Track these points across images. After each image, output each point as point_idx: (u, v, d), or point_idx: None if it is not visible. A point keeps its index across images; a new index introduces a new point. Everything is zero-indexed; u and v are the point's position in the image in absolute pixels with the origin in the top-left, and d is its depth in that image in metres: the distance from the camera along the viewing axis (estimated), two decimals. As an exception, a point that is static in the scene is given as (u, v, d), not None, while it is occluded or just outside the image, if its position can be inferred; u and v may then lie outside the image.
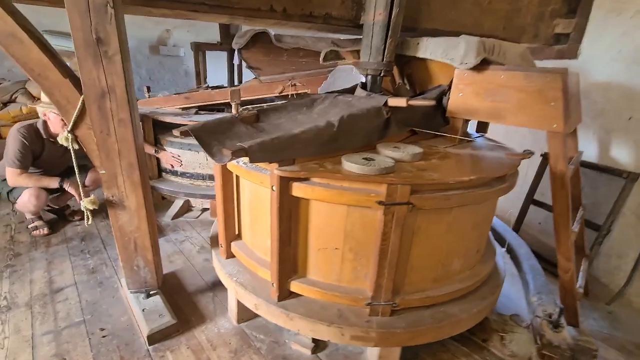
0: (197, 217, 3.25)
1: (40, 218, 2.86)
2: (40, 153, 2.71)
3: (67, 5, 1.35)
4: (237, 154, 1.26)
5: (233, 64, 4.08)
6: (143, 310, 1.87)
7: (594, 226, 2.50)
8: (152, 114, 3.17)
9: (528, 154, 1.79)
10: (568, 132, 1.69)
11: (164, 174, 3.38)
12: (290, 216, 1.51)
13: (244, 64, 3.69)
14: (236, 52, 3.56)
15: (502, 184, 1.58)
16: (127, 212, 1.72)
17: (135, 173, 1.66)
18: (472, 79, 1.82)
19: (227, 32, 3.87)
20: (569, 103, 1.62)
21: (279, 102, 1.99)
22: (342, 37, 2.51)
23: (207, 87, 3.92)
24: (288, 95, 3.46)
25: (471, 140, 2.06)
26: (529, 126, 1.73)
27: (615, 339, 2.02)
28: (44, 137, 2.68)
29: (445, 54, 1.87)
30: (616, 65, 2.46)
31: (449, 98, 1.92)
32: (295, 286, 1.62)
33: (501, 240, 2.47)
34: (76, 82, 1.51)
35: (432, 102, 1.74)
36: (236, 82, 4.20)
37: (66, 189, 2.64)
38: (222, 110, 3.61)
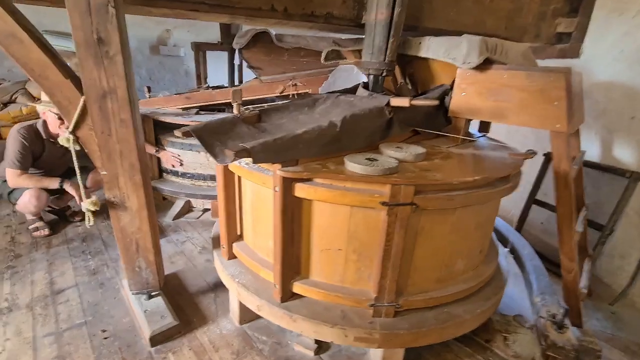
0: (198, 218, 3.24)
1: (40, 219, 2.85)
2: (41, 154, 2.70)
3: (68, 5, 1.34)
4: (240, 154, 1.25)
5: (234, 64, 4.06)
6: (145, 311, 1.87)
7: (597, 226, 2.49)
8: (153, 114, 3.16)
9: (531, 153, 1.78)
10: (571, 131, 1.68)
11: (164, 174, 3.37)
12: (293, 217, 1.50)
13: (244, 63, 3.68)
14: (237, 52, 3.55)
15: (505, 184, 1.57)
16: (129, 213, 1.72)
17: (137, 174, 1.65)
18: (475, 79, 1.81)
19: (227, 32, 3.85)
20: (572, 103, 1.61)
21: (280, 102, 1.98)
22: (343, 36, 2.51)
23: (208, 87, 3.91)
24: (289, 95, 3.46)
25: (473, 140, 2.05)
26: (532, 126, 1.72)
27: (618, 339, 2.02)
28: (44, 137, 2.67)
29: (448, 53, 1.86)
30: (618, 65, 2.45)
31: (451, 98, 1.91)
32: (298, 287, 1.61)
33: (504, 241, 2.47)
34: (77, 83, 1.50)
35: (435, 102, 1.73)
36: (237, 82, 4.19)
37: (66, 189, 2.63)
38: (223, 111, 3.60)
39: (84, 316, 1.96)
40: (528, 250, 2.33)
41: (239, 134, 1.60)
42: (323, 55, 2.44)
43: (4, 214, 3.13)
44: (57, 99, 1.49)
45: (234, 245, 1.89)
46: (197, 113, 3.40)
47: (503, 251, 2.06)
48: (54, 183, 2.62)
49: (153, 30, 5.23)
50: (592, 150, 2.55)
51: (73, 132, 1.55)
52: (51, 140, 2.71)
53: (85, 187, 1.81)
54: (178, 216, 3.22)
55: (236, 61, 3.99)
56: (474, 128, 2.16)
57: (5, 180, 2.72)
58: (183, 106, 3.42)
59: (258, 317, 1.93)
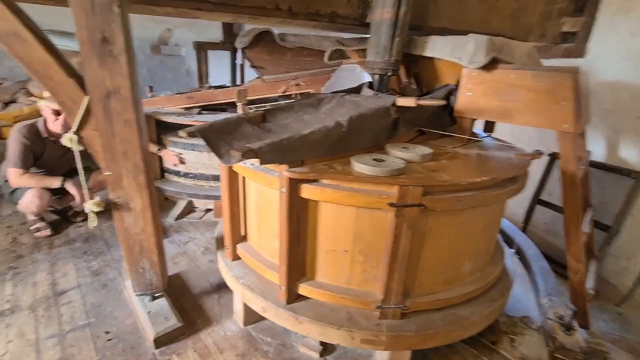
0: (200, 218, 3.23)
1: (42, 219, 2.83)
2: (42, 153, 2.69)
3: (72, 4, 1.32)
4: (246, 155, 1.24)
5: (235, 64, 4.04)
6: (148, 313, 1.85)
7: (603, 227, 2.48)
8: (155, 114, 3.14)
9: (538, 154, 1.77)
10: (578, 132, 1.67)
11: (166, 174, 3.35)
12: (299, 218, 1.48)
13: (247, 63, 3.66)
14: (239, 51, 3.53)
15: (513, 184, 1.56)
16: (133, 214, 1.70)
17: (141, 174, 1.64)
18: (481, 78, 1.79)
19: (229, 31, 3.84)
20: (579, 103, 1.59)
21: (285, 102, 1.97)
22: (346, 36, 2.49)
23: (210, 87, 3.89)
24: (291, 94, 3.44)
25: (479, 140, 2.04)
26: (538, 126, 1.70)
27: (626, 340, 2.00)
28: (45, 136, 2.66)
29: (453, 52, 1.85)
30: (625, 64, 2.43)
31: (456, 97, 1.89)
32: (303, 289, 1.60)
33: (509, 241, 2.45)
34: (80, 82, 1.48)
35: (442, 102, 1.72)
36: (239, 82, 4.17)
37: (68, 189, 2.62)
38: (225, 110, 3.58)
39: (87, 318, 1.94)
40: (534, 250, 2.31)
41: (243, 134, 1.58)
42: (327, 54, 2.42)
43: (6, 214, 3.12)
44: (60, 98, 1.48)
45: (238, 246, 1.88)
46: (199, 113, 3.38)
47: (508, 252, 2.04)
48: (55, 182, 2.61)
49: (154, 29, 5.22)
50: (597, 150, 2.54)
51: (76, 132, 1.54)
52: (51, 139, 2.70)
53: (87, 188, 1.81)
54: (180, 216, 3.21)
55: (238, 60, 3.97)
56: (478, 128, 2.14)
57: (6, 180, 2.71)
58: (185, 106, 3.40)
59: (262, 318, 1.92)
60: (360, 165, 1.37)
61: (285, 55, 3.42)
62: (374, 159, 1.43)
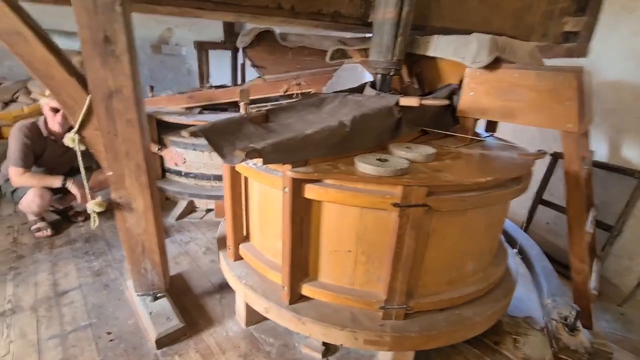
0: (201, 218, 3.22)
1: (43, 219, 2.82)
2: (42, 152, 2.68)
3: (74, 3, 1.31)
4: (250, 155, 1.23)
5: (237, 63, 4.03)
6: (150, 313, 1.84)
7: (605, 226, 2.47)
8: (156, 114, 3.14)
9: (542, 153, 1.76)
10: (582, 131, 1.66)
11: (167, 174, 3.35)
12: (302, 218, 1.48)
13: (247, 62, 3.66)
14: (240, 50, 3.52)
15: (517, 185, 1.55)
16: (135, 214, 1.69)
17: (143, 174, 1.63)
18: (484, 78, 1.78)
19: (231, 31, 3.83)
20: (583, 102, 1.59)
21: (288, 102, 1.96)
22: (347, 35, 2.48)
23: (211, 87, 3.89)
24: (293, 94, 3.43)
25: (482, 140, 2.03)
26: (542, 126, 1.70)
27: (628, 341, 2.00)
28: (45, 134, 2.65)
29: (457, 52, 1.84)
30: (627, 64, 2.43)
31: (459, 97, 1.89)
32: (306, 289, 1.59)
33: (512, 241, 2.45)
34: (82, 82, 1.47)
35: (446, 102, 1.71)
36: (239, 81, 4.16)
37: (69, 188, 2.61)
38: (226, 110, 3.57)
39: (89, 318, 1.94)
40: (536, 251, 2.31)
41: (246, 134, 1.58)
42: (328, 54, 2.42)
43: (6, 214, 3.11)
44: (62, 98, 1.47)
45: (240, 246, 1.87)
46: (200, 112, 3.37)
47: (511, 252, 2.03)
48: (56, 182, 2.60)
49: (154, 29, 5.20)
50: (600, 150, 2.53)
51: (78, 132, 1.53)
52: (52, 137, 2.69)
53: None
54: (181, 216, 3.20)
55: (239, 60, 3.96)
56: (480, 128, 2.14)
57: (7, 180, 2.70)
58: (186, 105, 3.39)
59: (264, 318, 1.92)
60: (364, 165, 1.36)
61: (287, 54, 3.41)
62: (378, 159, 1.42)
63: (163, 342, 1.75)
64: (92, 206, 1.65)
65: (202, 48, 4.17)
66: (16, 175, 2.53)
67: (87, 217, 3.04)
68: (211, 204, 3.28)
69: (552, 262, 2.40)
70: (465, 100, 1.86)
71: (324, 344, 1.77)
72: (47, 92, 2.33)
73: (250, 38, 3.28)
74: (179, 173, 3.24)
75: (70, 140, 1.52)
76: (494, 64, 1.72)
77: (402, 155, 1.52)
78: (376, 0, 1.85)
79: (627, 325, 2.15)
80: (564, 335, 1.63)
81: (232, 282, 1.82)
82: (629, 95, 2.41)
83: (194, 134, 1.47)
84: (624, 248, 2.45)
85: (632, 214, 2.39)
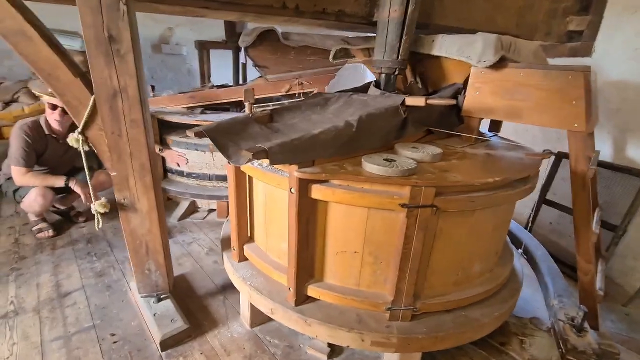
0: (203, 218, 3.21)
1: (44, 220, 2.81)
2: (44, 150, 2.67)
3: (79, 2, 1.30)
4: (257, 155, 1.22)
5: (239, 63, 4.02)
6: (154, 315, 1.83)
7: (610, 226, 2.47)
8: (157, 114, 3.12)
9: (548, 153, 1.75)
10: (589, 131, 1.65)
11: (169, 174, 3.33)
12: (308, 219, 1.46)
13: (249, 62, 3.65)
14: (242, 50, 3.51)
15: (524, 185, 1.54)
16: (139, 215, 1.68)
17: (147, 175, 1.62)
18: (489, 77, 1.78)
19: (232, 30, 3.81)
20: (591, 102, 1.58)
21: (292, 102, 1.95)
22: (350, 34, 2.47)
23: (212, 86, 3.87)
24: (295, 94, 3.42)
25: (486, 140, 2.02)
26: (548, 125, 1.69)
27: (634, 341, 1.99)
28: (46, 133, 2.64)
29: (462, 51, 1.83)
30: (630, 63, 2.42)
31: (464, 97, 1.88)
32: (312, 290, 1.58)
33: (516, 242, 2.43)
34: (86, 82, 1.46)
35: (452, 102, 1.70)
36: (241, 81, 4.15)
37: (72, 187, 2.60)
38: (228, 110, 3.56)
39: (92, 319, 1.92)
40: (541, 251, 2.30)
41: (251, 134, 1.56)
42: (332, 53, 2.40)
43: (7, 214, 3.09)
44: (66, 98, 1.46)
45: (245, 247, 1.86)
46: (202, 112, 3.36)
47: (516, 253, 2.02)
48: (59, 181, 2.59)
49: (155, 28, 5.18)
50: (604, 149, 2.53)
51: (82, 132, 1.51)
52: (53, 135, 2.68)
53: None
54: (183, 217, 3.19)
55: (241, 59, 3.94)
56: (483, 127, 2.13)
57: (8, 178, 2.69)
58: (187, 105, 3.38)
59: (269, 319, 1.91)
60: (371, 166, 1.35)
61: (289, 54, 3.40)
62: (385, 159, 1.41)
63: (167, 343, 1.74)
64: (97, 207, 1.64)
65: (203, 47, 4.15)
66: (19, 174, 2.52)
67: (89, 218, 3.03)
68: (213, 204, 3.28)
69: (556, 263, 2.39)
70: (470, 100, 1.85)
71: (329, 345, 1.76)
72: (49, 90, 2.32)
73: (252, 38, 3.27)
74: (180, 173, 3.22)
75: (74, 140, 1.51)
76: (499, 63, 1.72)
77: (408, 155, 1.51)
78: (381, -1, 1.84)
79: (632, 326, 2.14)
80: (572, 336, 1.62)
81: (237, 283, 1.81)
82: (633, 95, 2.40)
83: (198, 134, 1.46)
84: (629, 248, 2.44)
85: (637, 213, 2.39)
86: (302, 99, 2.00)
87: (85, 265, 2.42)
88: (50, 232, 2.76)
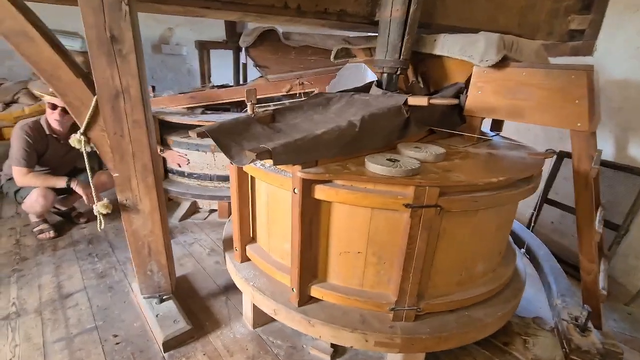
0: (204, 219, 3.20)
1: (45, 221, 2.80)
2: (45, 151, 2.67)
3: (81, 2, 1.29)
4: (261, 156, 1.21)
5: (239, 63, 4.01)
6: (157, 316, 1.83)
7: (612, 225, 2.46)
8: (158, 114, 3.11)
9: (551, 153, 1.75)
10: (592, 130, 1.65)
11: (170, 175, 3.32)
12: (311, 220, 1.46)
13: (249, 62, 3.64)
14: (243, 50, 3.50)
15: (528, 184, 1.54)
16: (141, 215, 1.68)
17: (150, 175, 1.61)
18: (492, 77, 1.77)
19: (232, 30, 3.80)
20: (594, 101, 1.57)
21: (294, 102, 1.95)
22: (351, 34, 2.47)
23: (213, 86, 3.87)
24: (295, 94, 3.41)
25: (488, 139, 2.02)
26: (551, 125, 1.69)
27: (637, 340, 1.99)
28: (47, 133, 2.63)
29: (464, 51, 1.83)
30: (632, 62, 2.41)
31: (466, 96, 1.87)
32: (315, 291, 1.57)
33: (518, 241, 2.43)
34: (88, 82, 1.45)
35: (455, 101, 1.70)
36: (241, 81, 4.14)
37: (73, 188, 2.59)
38: (228, 110, 3.56)
39: (94, 321, 1.92)
40: (544, 251, 2.29)
41: (254, 134, 1.56)
42: (333, 53, 2.40)
43: (8, 215, 3.09)
44: (68, 99, 1.45)
45: (247, 247, 1.85)
46: (202, 112, 3.35)
47: (518, 252, 2.02)
48: (60, 182, 2.58)
49: (155, 28, 5.17)
50: (606, 148, 2.53)
51: (84, 133, 1.51)
52: (54, 136, 2.67)
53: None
54: (184, 217, 3.18)
55: (242, 59, 3.94)
56: (485, 127, 2.12)
57: (9, 179, 2.68)
58: (188, 105, 3.37)
59: (272, 320, 1.91)
60: (375, 166, 1.35)
61: (290, 54, 3.39)
62: (388, 159, 1.41)
63: (170, 344, 1.73)
64: (99, 208, 1.63)
65: (204, 47, 4.14)
66: (20, 175, 2.51)
67: (90, 219, 3.02)
68: (214, 205, 3.27)
69: (558, 262, 2.38)
70: (473, 99, 1.84)
71: (333, 345, 1.75)
72: (50, 90, 2.32)
73: (253, 38, 3.26)
74: (181, 174, 3.21)
75: (76, 141, 1.50)
76: (501, 63, 1.71)
77: (411, 155, 1.51)
78: (383, -1, 1.83)
79: (635, 325, 2.14)
80: (576, 336, 1.62)
81: (240, 283, 1.80)
82: (635, 94, 2.40)
83: (201, 135, 1.46)
84: (631, 247, 2.44)
85: (639, 212, 2.38)
86: (304, 99, 1.99)
87: (87, 266, 2.41)
88: (52, 233, 2.75)
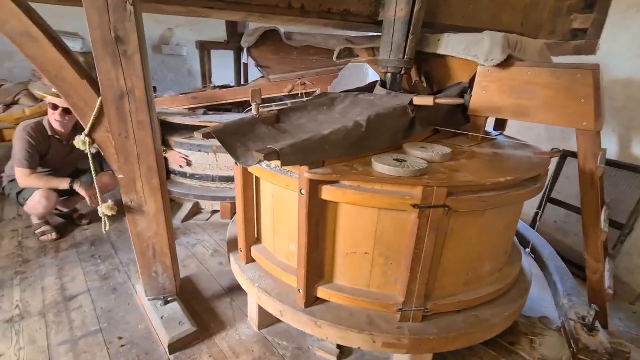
0: (207, 220, 3.20)
1: (47, 223, 2.79)
2: (47, 151, 2.65)
3: (85, 3, 1.29)
4: (269, 157, 1.21)
5: (240, 63, 4.00)
6: (162, 317, 1.82)
7: (616, 224, 2.46)
8: (159, 115, 3.10)
9: (556, 152, 1.75)
10: (598, 129, 1.64)
11: (172, 175, 3.31)
12: (318, 220, 1.45)
13: (251, 62, 3.63)
14: (244, 50, 3.50)
15: (534, 184, 1.53)
16: (146, 217, 1.67)
17: (154, 177, 1.61)
18: (496, 76, 1.77)
19: (234, 30, 3.79)
20: (599, 100, 1.57)
21: (298, 101, 1.94)
22: (353, 34, 2.46)
23: (214, 87, 3.86)
24: (297, 94, 3.41)
25: (493, 139, 2.01)
26: (556, 124, 1.68)
27: (643, 339, 1.99)
28: (49, 134, 2.62)
29: (468, 50, 1.82)
30: (636, 61, 2.41)
31: (470, 95, 1.87)
32: (322, 292, 1.57)
33: (523, 241, 2.43)
34: (93, 83, 1.45)
35: (460, 101, 1.69)
36: (242, 81, 4.14)
37: (76, 189, 2.58)
38: (230, 110, 3.55)
39: (99, 323, 1.91)
40: (549, 250, 2.29)
41: (259, 135, 1.55)
42: (335, 53, 2.39)
43: (10, 217, 3.07)
44: (73, 100, 1.44)
45: (252, 248, 1.84)
46: (204, 113, 3.34)
47: (524, 252, 2.02)
48: (63, 183, 2.57)
49: (155, 29, 5.16)
50: (610, 147, 2.52)
51: (89, 135, 1.50)
52: (56, 137, 2.66)
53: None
54: (187, 218, 3.18)
55: (243, 60, 3.93)
56: (488, 126, 2.12)
57: (11, 180, 2.67)
58: (189, 106, 3.36)
59: (277, 321, 1.90)
60: (382, 166, 1.34)
61: (291, 54, 3.38)
62: (395, 159, 1.40)
63: (175, 346, 1.73)
64: (104, 209, 1.63)
65: (204, 48, 4.13)
66: (22, 176, 2.50)
67: (92, 220, 3.01)
68: (216, 205, 3.26)
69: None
70: (477, 99, 1.84)
71: (339, 346, 1.75)
72: (53, 90, 2.30)
73: (254, 38, 3.26)
74: (183, 174, 3.21)
75: (81, 142, 1.49)
76: (506, 62, 1.71)
77: (418, 155, 1.50)
78: (387, -2, 1.83)
79: (640, 324, 2.14)
80: (583, 335, 1.62)
81: (245, 285, 1.79)
82: (638, 92, 2.39)
83: (206, 135, 1.45)
84: (635, 246, 2.44)
85: (643, 211, 2.38)
86: (308, 98, 1.98)
87: (90, 267, 2.40)
88: (54, 235, 2.74)
